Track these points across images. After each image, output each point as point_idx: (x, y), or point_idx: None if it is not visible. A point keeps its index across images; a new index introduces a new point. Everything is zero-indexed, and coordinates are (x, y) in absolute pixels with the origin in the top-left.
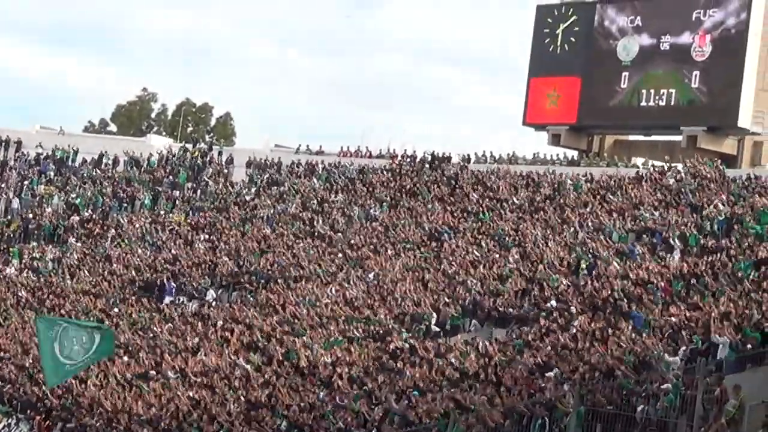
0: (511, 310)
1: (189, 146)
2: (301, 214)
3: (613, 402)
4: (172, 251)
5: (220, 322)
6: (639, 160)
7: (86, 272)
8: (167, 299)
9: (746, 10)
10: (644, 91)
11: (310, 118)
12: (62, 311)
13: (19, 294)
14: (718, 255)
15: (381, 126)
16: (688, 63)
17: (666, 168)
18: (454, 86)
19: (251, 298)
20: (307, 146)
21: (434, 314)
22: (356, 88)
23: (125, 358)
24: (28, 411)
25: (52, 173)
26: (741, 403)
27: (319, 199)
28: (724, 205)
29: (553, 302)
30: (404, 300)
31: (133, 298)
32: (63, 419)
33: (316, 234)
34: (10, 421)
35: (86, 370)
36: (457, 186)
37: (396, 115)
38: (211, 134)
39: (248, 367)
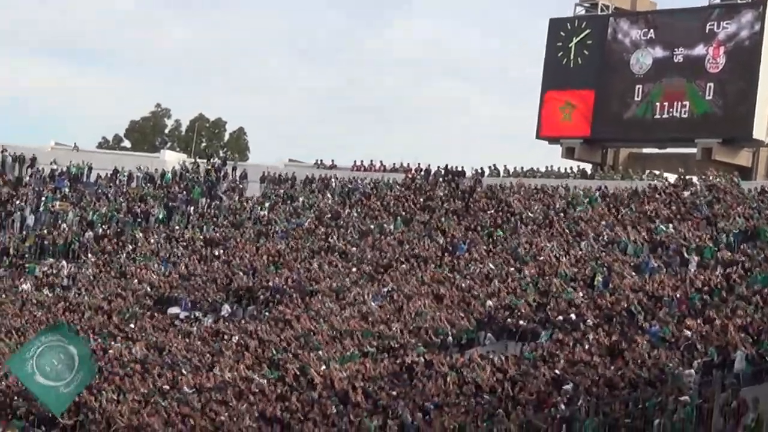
0: (525, 323)
1: (202, 162)
2: (315, 229)
3: (629, 415)
4: (187, 266)
5: (235, 337)
6: (654, 173)
7: (101, 288)
8: (182, 314)
9: (760, 22)
10: (658, 104)
11: (322, 133)
12: (76, 327)
13: (34, 311)
14: (734, 268)
15: (394, 140)
16: (702, 75)
17: (681, 181)
18: (468, 100)
19: (266, 313)
20: (321, 161)
21: (449, 328)
22: (369, 102)
23: (140, 374)
24: (44, 426)
25: (66, 189)
26: (759, 415)
27: (333, 213)
28: (739, 217)
29: (573, 316)
30: (419, 314)
31: (148, 313)
32: None
33: (330, 249)
34: None
35: (96, 385)
36: (471, 200)
37: (409, 129)
38: (225, 149)
39: (263, 381)
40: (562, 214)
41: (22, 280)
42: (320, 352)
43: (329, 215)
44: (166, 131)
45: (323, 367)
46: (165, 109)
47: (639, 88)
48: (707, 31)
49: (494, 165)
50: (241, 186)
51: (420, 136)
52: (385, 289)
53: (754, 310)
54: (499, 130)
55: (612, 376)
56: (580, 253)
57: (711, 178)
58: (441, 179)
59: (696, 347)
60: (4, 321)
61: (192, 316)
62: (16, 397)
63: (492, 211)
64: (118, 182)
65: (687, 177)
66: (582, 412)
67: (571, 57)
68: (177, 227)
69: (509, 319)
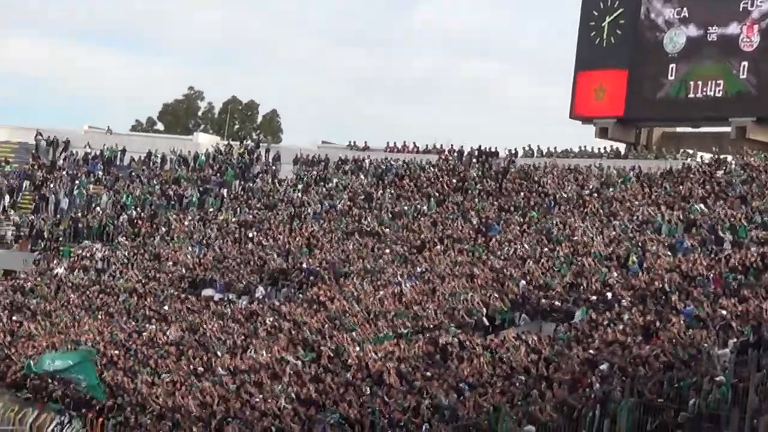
0: (559, 303)
1: (236, 144)
2: (349, 211)
3: (664, 395)
4: (221, 249)
5: (269, 319)
6: (687, 152)
7: (135, 271)
8: (216, 296)
9: None
10: (692, 83)
11: (355, 114)
12: (111, 310)
13: (69, 293)
14: None
15: (426, 121)
16: (736, 54)
17: (715, 160)
18: (500, 81)
19: (300, 295)
20: (354, 142)
21: (483, 309)
22: (400, 83)
23: (175, 356)
24: (81, 409)
25: (100, 173)
26: None
27: (366, 195)
28: None
29: (608, 295)
30: (453, 295)
31: (183, 295)
32: (115, 416)
33: (364, 230)
34: (62, 418)
35: (130, 367)
36: (504, 180)
37: (441, 110)
38: (258, 132)
39: (298, 363)
40: (595, 194)
41: (56, 262)
42: (354, 334)
43: (362, 197)
44: (199, 114)
45: (357, 348)
46: (198, 92)
47: (672, 67)
48: (741, 9)
49: (528, 145)
50: (274, 168)
51: (453, 117)
52: (419, 270)
53: None
54: (532, 110)
55: (647, 356)
56: (613, 233)
57: (745, 156)
58: (474, 160)
59: (731, 327)
60: (39, 304)
61: (226, 298)
62: (51, 381)
63: (525, 192)
64: (151, 165)
65: (721, 156)
66: (617, 393)
67: (604, 36)
68: (210, 209)
69: (543, 300)
